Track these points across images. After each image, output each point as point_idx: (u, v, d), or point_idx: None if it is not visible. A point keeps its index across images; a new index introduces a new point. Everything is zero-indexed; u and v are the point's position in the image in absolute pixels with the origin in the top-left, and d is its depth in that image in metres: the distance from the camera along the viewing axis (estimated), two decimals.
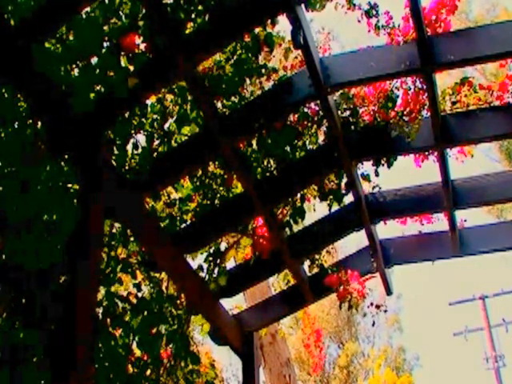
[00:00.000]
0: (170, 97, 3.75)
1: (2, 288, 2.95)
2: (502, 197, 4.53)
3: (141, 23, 3.10)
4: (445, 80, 7.33)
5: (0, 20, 2.69)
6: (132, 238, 4.01)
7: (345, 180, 4.24)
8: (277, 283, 5.54)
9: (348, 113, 3.91)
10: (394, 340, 23.90)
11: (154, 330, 3.94)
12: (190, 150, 3.64)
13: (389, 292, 5.33)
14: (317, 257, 4.69)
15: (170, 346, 4.06)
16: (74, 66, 3.14)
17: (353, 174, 4.11)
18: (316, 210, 4.53)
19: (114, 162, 3.42)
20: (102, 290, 3.69)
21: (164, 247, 3.82)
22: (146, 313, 3.93)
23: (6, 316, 2.92)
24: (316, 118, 3.98)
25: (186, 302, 4.32)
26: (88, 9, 3.07)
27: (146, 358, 3.90)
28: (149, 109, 3.72)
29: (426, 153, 4.22)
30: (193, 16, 3.17)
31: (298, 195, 4.32)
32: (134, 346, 3.84)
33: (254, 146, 3.96)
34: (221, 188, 4.16)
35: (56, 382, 2.59)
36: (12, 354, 2.80)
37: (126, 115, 3.52)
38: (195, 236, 4.13)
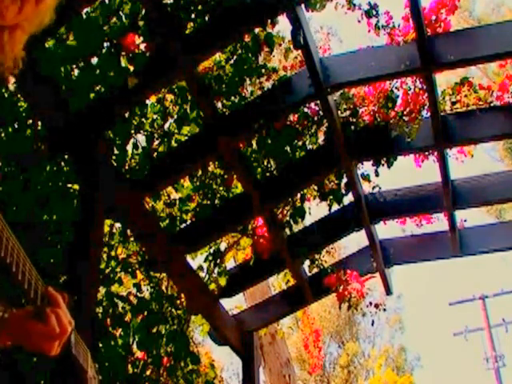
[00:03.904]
0: (170, 97, 3.75)
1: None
2: (501, 197, 4.53)
3: (141, 23, 3.10)
4: (450, 77, 7.32)
5: None
6: (132, 238, 4.02)
7: (345, 180, 4.24)
8: (277, 283, 5.54)
9: (348, 113, 3.91)
10: (395, 340, 23.86)
11: (154, 330, 3.94)
12: (189, 150, 3.64)
13: (389, 292, 5.33)
14: (317, 257, 4.69)
15: (170, 345, 4.06)
16: (74, 66, 3.14)
17: (353, 173, 4.11)
18: (312, 213, 4.54)
19: (114, 162, 3.43)
20: (102, 290, 3.69)
21: (164, 247, 3.82)
22: (146, 313, 3.93)
23: None
24: (316, 118, 3.98)
25: (186, 302, 4.32)
26: (88, 9, 3.07)
27: (145, 357, 3.90)
28: (149, 109, 3.72)
29: (426, 153, 4.22)
30: (193, 16, 3.17)
31: (298, 195, 4.32)
32: (134, 346, 3.84)
33: (254, 146, 3.96)
34: (221, 188, 4.16)
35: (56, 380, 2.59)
36: (13, 353, 2.80)
37: (126, 115, 3.52)
38: (195, 236, 4.13)
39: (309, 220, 4.74)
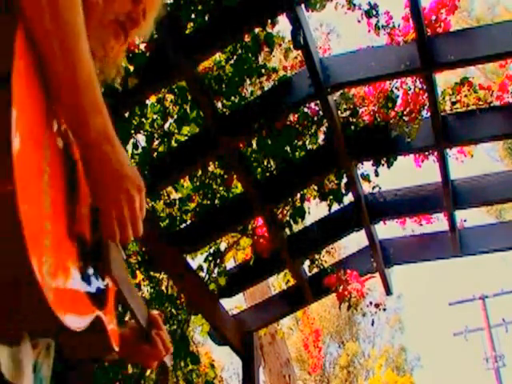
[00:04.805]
0: (170, 97, 3.75)
1: None
2: (502, 197, 4.53)
3: None
4: (449, 77, 7.32)
5: None
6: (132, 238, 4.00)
7: (345, 180, 4.24)
8: (277, 283, 5.54)
9: (348, 113, 3.91)
10: (395, 340, 23.87)
11: None
12: (189, 150, 3.64)
13: (389, 292, 5.33)
14: (317, 257, 4.69)
15: None
16: None
17: (353, 173, 4.11)
18: (312, 212, 4.54)
19: None
20: None
21: (164, 247, 3.82)
22: None
23: None
24: (316, 118, 3.98)
25: (186, 302, 4.32)
26: None
27: None
28: (149, 109, 3.72)
29: (426, 153, 4.22)
30: (193, 16, 3.17)
31: (298, 195, 4.32)
32: None
33: (254, 146, 3.96)
34: (221, 188, 4.16)
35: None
36: None
37: (126, 115, 3.52)
38: (195, 236, 4.13)
39: (309, 220, 4.74)
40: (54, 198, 0.78)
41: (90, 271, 0.96)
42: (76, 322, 0.82)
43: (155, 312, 1.39)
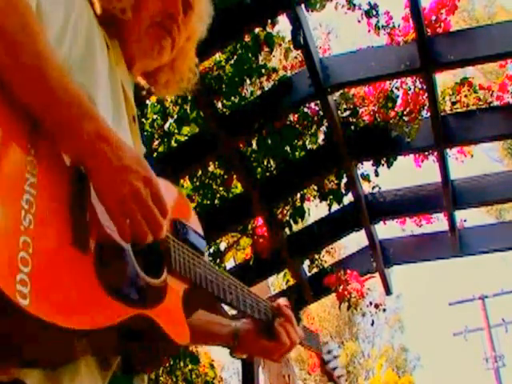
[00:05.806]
0: (169, 97, 3.75)
1: None
2: (501, 197, 4.54)
3: None
4: (447, 77, 7.32)
5: None
6: None
7: (345, 180, 4.24)
8: (276, 283, 5.54)
9: (348, 113, 3.91)
10: (395, 340, 23.86)
11: None
12: (190, 150, 3.64)
13: (388, 292, 5.33)
14: (316, 257, 4.69)
15: None
16: None
17: (353, 173, 4.11)
18: (312, 214, 4.54)
19: None
20: None
21: None
22: None
23: None
24: (316, 118, 3.98)
25: None
26: None
27: None
28: (149, 109, 3.72)
29: (426, 153, 4.22)
30: None
31: (298, 195, 4.32)
32: None
33: (254, 146, 3.96)
34: (221, 188, 4.16)
35: None
36: None
37: None
38: None
39: (309, 220, 4.74)
40: (42, 212, 0.77)
41: (130, 272, 0.91)
42: (88, 322, 0.78)
43: (281, 300, 1.30)
